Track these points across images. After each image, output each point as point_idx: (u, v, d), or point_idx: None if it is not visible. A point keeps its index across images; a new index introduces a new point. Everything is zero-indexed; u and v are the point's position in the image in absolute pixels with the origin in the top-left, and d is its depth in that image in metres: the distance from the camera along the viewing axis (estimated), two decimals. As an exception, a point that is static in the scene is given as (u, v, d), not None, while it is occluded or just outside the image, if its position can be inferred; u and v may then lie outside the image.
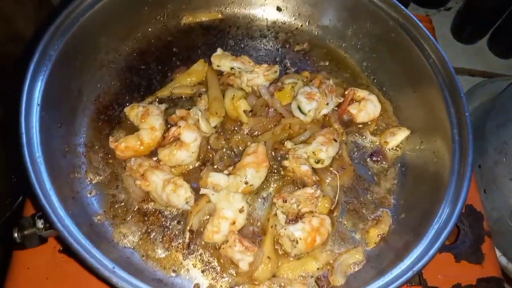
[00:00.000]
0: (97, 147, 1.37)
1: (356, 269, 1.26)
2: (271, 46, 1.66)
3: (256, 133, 1.43)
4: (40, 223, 1.09)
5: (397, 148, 1.47)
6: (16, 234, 1.09)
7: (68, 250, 1.30)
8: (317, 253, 1.27)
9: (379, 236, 1.31)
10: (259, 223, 1.32)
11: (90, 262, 0.96)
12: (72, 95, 1.37)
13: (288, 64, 1.61)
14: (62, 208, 1.04)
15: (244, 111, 1.44)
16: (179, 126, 1.31)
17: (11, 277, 1.29)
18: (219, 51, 1.54)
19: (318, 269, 1.25)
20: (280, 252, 1.27)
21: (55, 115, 1.26)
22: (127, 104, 1.43)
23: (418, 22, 1.43)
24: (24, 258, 1.31)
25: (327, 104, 1.43)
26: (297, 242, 1.22)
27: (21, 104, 1.13)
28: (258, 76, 1.45)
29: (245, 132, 1.44)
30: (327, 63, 1.63)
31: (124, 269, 1.00)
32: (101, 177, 1.33)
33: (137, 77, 1.53)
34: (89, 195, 1.29)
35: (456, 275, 1.37)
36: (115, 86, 1.49)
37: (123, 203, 1.30)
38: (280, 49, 1.66)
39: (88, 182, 1.32)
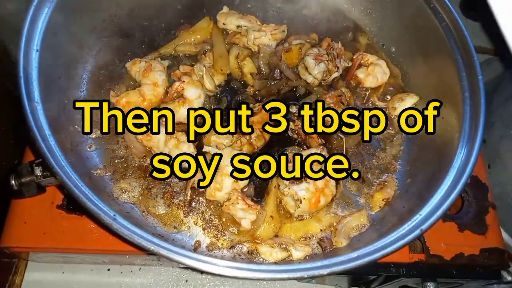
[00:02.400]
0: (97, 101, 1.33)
1: (360, 232, 1.24)
2: (278, 7, 1.61)
3: (260, 97, 1.40)
4: (38, 171, 1.05)
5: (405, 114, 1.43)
6: (13, 181, 1.05)
7: (67, 203, 1.29)
8: (321, 215, 1.25)
9: (384, 200, 1.29)
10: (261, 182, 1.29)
11: (90, 207, 0.93)
12: (72, 46, 1.32)
13: (296, 26, 1.56)
14: (62, 155, 1.01)
15: (251, 74, 1.40)
16: (183, 81, 1.27)
17: (7, 231, 1.27)
18: (225, 9, 1.49)
19: (321, 230, 1.23)
20: (282, 215, 1.25)
21: (54, 65, 1.22)
22: (129, 60, 1.39)
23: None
24: (21, 212, 1.28)
25: (337, 67, 1.39)
26: (300, 202, 1.19)
27: (20, 48, 1.08)
28: (266, 35, 1.40)
29: (249, 95, 1.41)
30: (334, 27, 1.57)
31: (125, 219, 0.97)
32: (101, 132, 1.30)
33: (139, 33, 1.48)
34: (88, 149, 1.26)
35: (459, 244, 1.36)
36: (117, 41, 1.45)
37: (123, 159, 1.27)
38: (287, 11, 1.60)
39: (88, 136, 1.28)
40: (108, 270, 1.58)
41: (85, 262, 1.51)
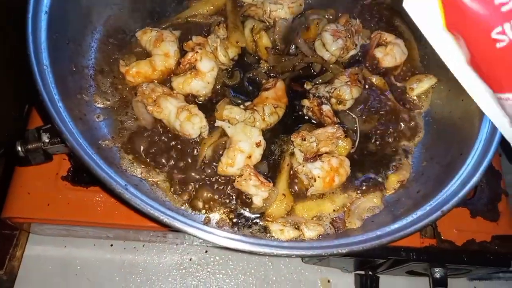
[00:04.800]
0: (106, 71, 1.29)
1: (373, 213, 1.21)
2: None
3: (274, 73, 1.35)
4: (45, 137, 1.01)
5: (423, 96, 1.39)
6: (19, 148, 1.01)
7: (71, 176, 1.26)
8: (334, 195, 1.22)
9: (399, 182, 1.26)
10: (273, 159, 1.25)
11: (101, 175, 0.89)
12: (81, 12, 1.27)
13: (313, 1, 1.50)
14: (71, 121, 0.96)
15: (265, 48, 1.35)
16: (197, 52, 1.22)
17: (11, 201, 1.24)
18: (240, -21, 1.43)
19: (334, 211, 1.20)
20: (295, 194, 1.21)
21: (62, 29, 1.17)
22: (139, 29, 1.33)
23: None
24: (25, 183, 1.25)
25: (355, 45, 1.34)
26: (315, 180, 1.16)
27: (29, 8, 1.03)
28: (282, 8, 1.35)
29: (263, 70, 1.36)
30: (353, 3, 1.52)
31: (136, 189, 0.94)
32: (109, 102, 1.25)
33: (150, 2, 1.42)
34: (97, 119, 1.22)
35: (471, 230, 1.34)
36: (127, 10, 1.39)
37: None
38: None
39: (96, 106, 1.24)
40: (111, 245, 1.55)
41: (88, 236, 1.48)
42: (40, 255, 1.51)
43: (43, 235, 1.47)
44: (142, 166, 1.16)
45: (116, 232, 1.38)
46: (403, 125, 1.35)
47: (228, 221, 1.15)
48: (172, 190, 1.15)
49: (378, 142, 1.33)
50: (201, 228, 0.90)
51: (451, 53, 1.04)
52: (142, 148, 1.19)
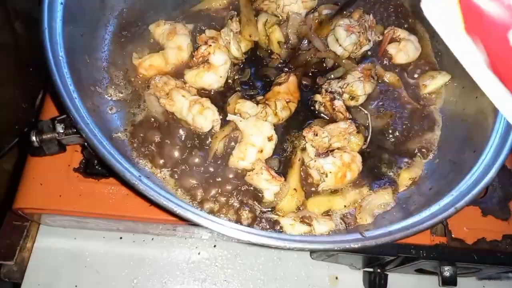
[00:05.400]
0: (119, 63, 1.29)
1: (384, 210, 1.21)
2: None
3: (286, 68, 1.35)
4: (60, 128, 1.01)
5: (436, 93, 1.38)
6: (34, 138, 1.01)
7: (83, 168, 1.26)
8: (345, 190, 1.22)
9: (411, 179, 1.26)
10: (284, 156, 1.25)
11: (115, 165, 0.89)
12: (95, 4, 1.27)
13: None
14: (86, 112, 0.97)
15: (279, 42, 1.35)
16: (210, 45, 1.22)
17: (23, 192, 1.24)
18: (253, -28, 1.43)
19: (345, 206, 1.20)
20: (306, 189, 1.21)
21: (77, 21, 1.17)
22: (152, 22, 1.34)
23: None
24: (37, 174, 1.25)
25: (369, 40, 1.33)
26: (326, 176, 1.16)
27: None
28: (296, 2, 1.34)
29: (275, 65, 1.36)
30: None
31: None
32: (122, 95, 1.26)
33: (164, -5, 1.42)
34: (109, 111, 1.22)
35: (482, 229, 1.33)
36: (140, 3, 1.39)
37: (144, 123, 1.23)
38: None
39: (109, 98, 1.24)
40: (121, 238, 1.56)
41: (98, 228, 1.49)
42: (50, 246, 1.52)
43: (54, 227, 1.48)
44: (151, 158, 1.15)
45: (126, 225, 1.38)
46: (416, 122, 1.34)
47: (240, 216, 1.15)
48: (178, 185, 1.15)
49: (390, 139, 1.32)
50: (213, 220, 0.90)
51: (471, 56, 1.02)
52: (152, 141, 1.19)
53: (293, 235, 1.06)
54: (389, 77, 1.38)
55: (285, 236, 0.97)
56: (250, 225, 1.12)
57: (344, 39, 1.31)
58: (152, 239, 1.57)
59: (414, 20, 1.50)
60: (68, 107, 0.92)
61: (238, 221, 1.11)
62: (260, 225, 1.14)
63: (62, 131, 1.01)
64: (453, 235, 1.31)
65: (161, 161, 1.16)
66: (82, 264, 1.51)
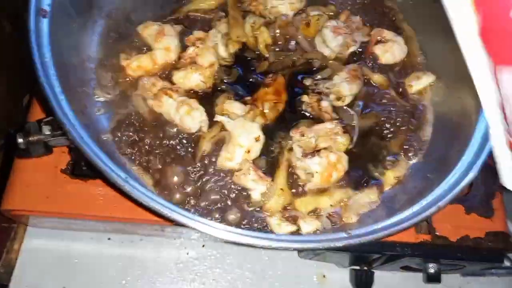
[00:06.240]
0: (107, 64, 1.29)
1: (370, 209, 1.23)
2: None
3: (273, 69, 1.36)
4: (47, 129, 1.01)
5: (422, 93, 1.41)
6: (20, 140, 1.01)
7: (70, 169, 1.26)
8: (331, 190, 1.23)
9: (396, 178, 1.28)
10: (271, 157, 1.26)
11: (101, 166, 0.90)
12: (81, 5, 1.27)
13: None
14: (73, 114, 0.97)
15: (266, 45, 1.36)
16: (197, 47, 1.23)
17: (9, 194, 1.23)
18: (242, -27, 1.43)
19: (331, 205, 1.21)
20: (293, 189, 1.23)
21: (63, 22, 1.17)
22: (140, 23, 1.34)
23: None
24: (24, 175, 1.24)
25: (355, 41, 1.35)
26: (313, 176, 1.18)
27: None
28: (283, 3, 1.36)
29: (262, 68, 1.37)
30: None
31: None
32: (110, 96, 1.25)
33: (152, -4, 1.43)
34: (97, 113, 1.22)
35: (465, 227, 1.35)
36: (128, 3, 1.38)
37: (132, 124, 1.23)
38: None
39: (97, 99, 1.24)
40: (109, 239, 1.56)
41: (86, 229, 1.48)
42: (37, 248, 1.51)
43: (41, 228, 1.47)
44: (138, 159, 1.16)
45: (114, 226, 1.38)
46: (402, 122, 1.36)
47: (227, 216, 1.16)
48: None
49: (377, 138, 1.34)
50: (200, 220, 0.91)
51: (466, 23, 1.04)
52: (140, 141, 1.19)
53: (279, 234, 1.07)
54: (376, 77, 1.40)
55: (271, 236, 0.99)
56: (237, 225, 1.13)
57: (331, 40, 1.33)
58: (141, 239, 1.57)
59: (402, 20, 1.53)
60: (54, 109, 0.92)
61: (225, 220, 1.12)
62: (248, 224, 1.15)
63: (48, 133, 1.01)
64: (437, 233, 1.33)
65: (149, 163, 1.16)
66: (70, 265, 1.50)
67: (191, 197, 1.14)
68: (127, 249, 1.55)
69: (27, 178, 1.24)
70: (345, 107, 1.33)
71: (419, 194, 1.17)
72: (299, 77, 1.37)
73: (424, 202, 1.10)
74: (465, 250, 1.32)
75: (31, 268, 1.47)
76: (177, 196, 1.15)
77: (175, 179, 1.15)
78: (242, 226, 1.14)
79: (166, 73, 1.30)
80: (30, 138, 1.01)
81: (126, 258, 1.54)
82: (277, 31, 1.36)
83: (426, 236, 1.32)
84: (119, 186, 0.90)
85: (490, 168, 1.47)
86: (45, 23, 1.05)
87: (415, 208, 1.10)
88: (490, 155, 1.43)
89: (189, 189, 1.16)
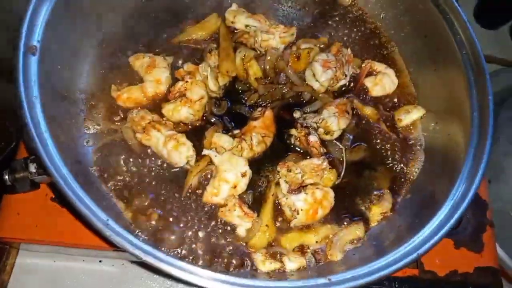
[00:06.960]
0: (97, 95, 1.30)
1: (355, 246, 1.22)
2: (289, 6, 1.56)
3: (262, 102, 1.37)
4: (33, 167, 1.03)
5: (411, 127, 1.40)
6: (6, 177, 1.03)
7: (60, 198, 1.27)
8: (317, 226, 1.23)
9: (381, 214, 1.28)
10: (259, 191, 1.27)
11: (82, 210, 0.91)
12: (73, 37, 1.28)
13: (306, 28, 1.51)
14: (57, 153, 0.98)
15: (256, 78, 1.36)
16: (186, 81, 1.24)
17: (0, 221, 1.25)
18: (234, 6, 1.44)
19: (316, 242, 1.22)
20: (278, 225, 1.23)
21: (55, 55, 1.18)
22: (132, 54, 1.35)
23: (448, -5, 1.34)
24: (15, 203, 1.26)
25: (345, 75, 1.35)
26: (298, 213, 1.18)
27: (21, 37, 1.04)
28: (274, 38, 1.36)
29: (252, 99, 1.37)
30: (347, 31, 1.53)
31: (117, 223, 0.95)
32: (99, 127, 1.27)
33: (144, 25, 1.43)
34: (86, 144, 1.23)
35: (454, 261, 1.35)
36: (120, 33, 1.40)
37: (121, 156, 1.24)
38: (298, 11, 1.55)
39: (86, 131, 1.25)
40: (100, 261, 1.57)
41: (77, 254, 1.50)
42: (30, 269, 1.52)
43: (33, 251, 1.49)
44: (122, 194, 1.17)
45: (104, 253, 1.40)
46: (390, 155, 1.36)
47: (210, 253, 1.16)
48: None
49: (364, 172, 1.34)
50: (183, 267, 0.91)
51: None
52: (127, 175, 1.21)
53: (267, 280, 1.05)
54: (366, 110, 1.40)
55: (260, 283, 0.98)
56: (221, 261, 1.13)
57: (320, 74, 1.33)
58: (132, 262, 1.58)
59: (394, 52, 1.53)
60: (38, 151, 0.93)
61: (210, 261, 1.12)
62: (232, 262, 1.15)
63: (34, 170, 1.03)
64: (425, 267, 1.33)
65: (134, 199, 1.18)
66: (61, 286, 1.52)
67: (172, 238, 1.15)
68: (118, 271, 1.56)
69: (17, 206, 1.25)
70: (334, 141, 1.33)
71: (405, 232, 1.17)
72: (289, 110, 1.37)
73: (401, 251, 1.07)
74: (453, 285, 1.32)
75: (24, 288, 1.49)
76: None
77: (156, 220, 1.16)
78: (226, 263, 1.14)
79: (156, 105, 1.30)
80: (16, 175, 1.03)
81: (117, 280, 1.54)
82: (267, 65, 1.36)
83: (414, 271, 1.32)
84: (98, 230, 0.91)
85: (481, 201, 1.48)
86: (33, 60, 1.06)
87: (402, 250, 1.08)
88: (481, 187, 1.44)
89: (173, 227, 1.16)
